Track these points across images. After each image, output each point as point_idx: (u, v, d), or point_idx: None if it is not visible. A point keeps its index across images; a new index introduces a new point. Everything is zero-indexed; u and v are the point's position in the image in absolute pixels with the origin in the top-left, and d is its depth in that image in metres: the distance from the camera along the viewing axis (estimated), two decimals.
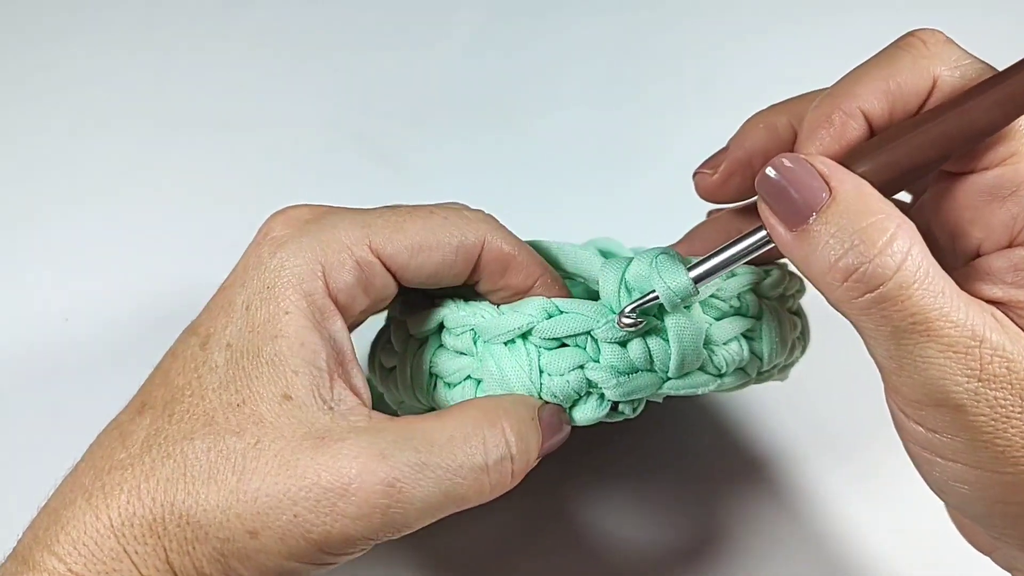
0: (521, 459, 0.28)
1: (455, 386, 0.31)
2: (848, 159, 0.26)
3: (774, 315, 0.31)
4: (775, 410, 0.43)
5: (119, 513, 0.25)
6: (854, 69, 0.27)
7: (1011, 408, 0.24)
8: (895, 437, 0.29)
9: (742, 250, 0.27)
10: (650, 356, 0.29)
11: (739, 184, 0.31)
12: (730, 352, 0.30)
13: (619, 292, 0.29)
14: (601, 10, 0.61)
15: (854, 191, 0.24)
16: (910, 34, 0.27)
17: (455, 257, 0.29)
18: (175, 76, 0.57)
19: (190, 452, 0.25)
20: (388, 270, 0.28)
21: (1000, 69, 0.25)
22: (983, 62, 0.26)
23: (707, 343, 0.30)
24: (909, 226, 0.24)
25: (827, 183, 0.24)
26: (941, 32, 0.27)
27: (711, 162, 0.31)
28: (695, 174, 0.31)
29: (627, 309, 0.28)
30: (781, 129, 0.29)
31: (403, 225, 0.28)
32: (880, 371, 0.26)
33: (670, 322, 0.29)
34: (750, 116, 0.30)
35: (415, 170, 0.53)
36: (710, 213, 0.36)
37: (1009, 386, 0.24)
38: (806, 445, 0.42)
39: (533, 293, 0.30)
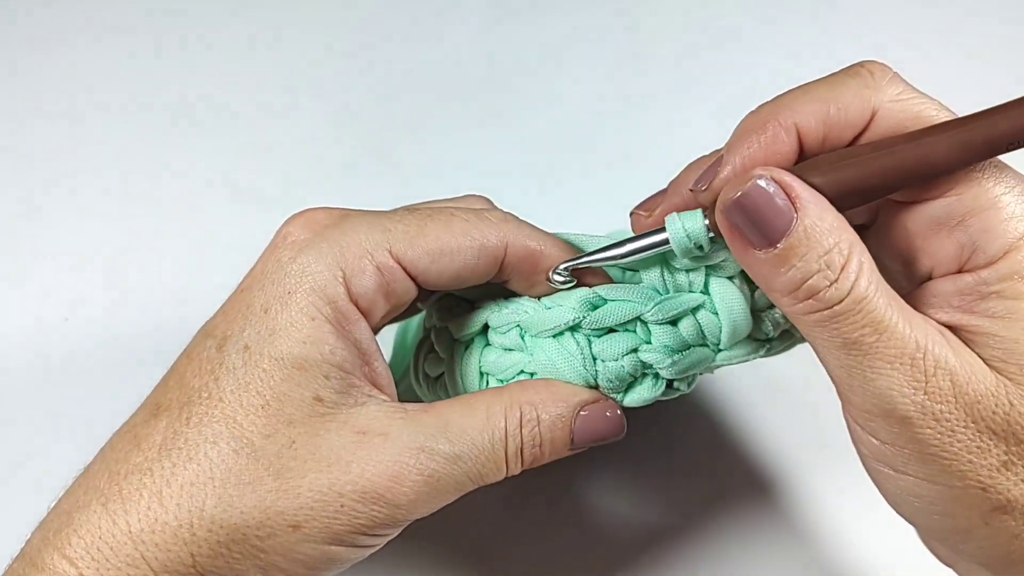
0: (539, 452, 0.29)
1: (508, 382, 0.31)
2: (802, 170, 0.26)
3: None
4: (772, 407, 0.44)
5: (139, 519, 0.25)
6: (799, 86, 0.27)
7: (956, 422, 0.24)
8: None
9: None
10: (701, 330, 0.29)
11: None
12: (776, 316, 0.30)
13: (662, 273, 0.29)
14: (601, 8, 0.61)
15: (816, 211, 0.24)
16: (859, 64, 0.27)
17: (477, 260, 0.29)
18: (176, 76, 0.57)
19: (215, 455, 0.25)
20: (408, 274, 0.28)
21: (945, 103, 0.26)
22: (928, 97, 0.26)
23: (753, 310, 0.30)
24: (859, 241, 0.25)
25: (793, 204, 0.24)
26: (889, 67, 0.27)
27: (648, 204, 0.31)
28: (631, 214, 0.31)
29: (561, 267, 0.29)
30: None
31: (423, 229, 0.28)
32: (833, 382, 0.27)
33: (716, 294, 0.29)
34: (691, 161, 0.30)
35: (415, 168, 0.53)
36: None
37: (953, 399, 0.24)
38: (801, 442, 0.43)
39: None
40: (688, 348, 0.30)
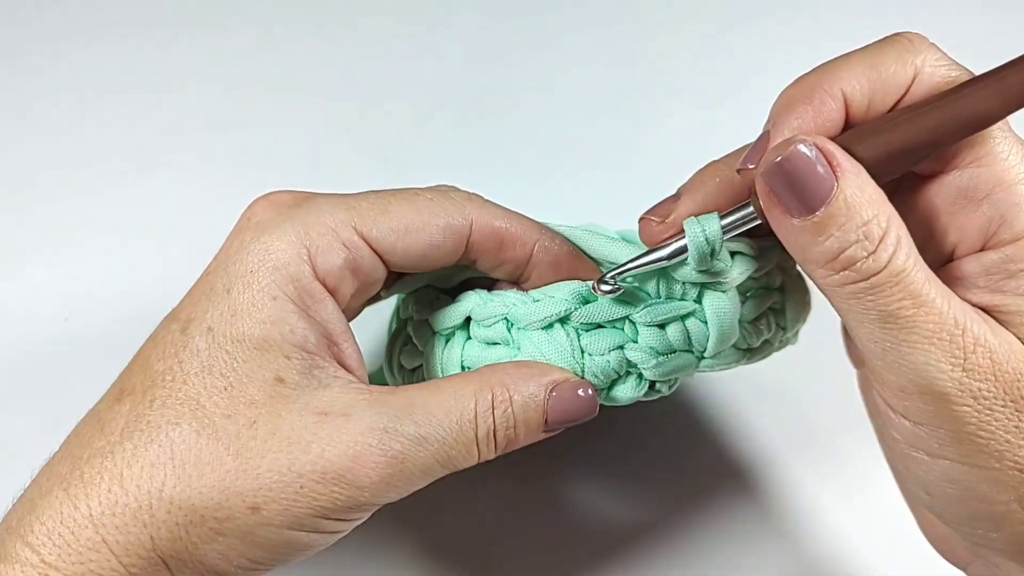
0: (514, 434, 0.28)
1: None
2: (845, 140, 0.25)
3: (794, 285, 0.32)
4: (761, 406, 0.43)
5: (99, 502, 0.24)
6: (839, 56, 0.27)
7: (994, 400, 0.24)
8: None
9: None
10: (688, 337, 0.29)
11: None
12: (760, 327, 0.31)
13: (658, 280, 0.29)
14: (599, 11, 0.60)
15: (856, 182, 0.24)
16: (895, 34, 0.27)
17: (443, 238, 0.29)
18: (175, 76, 0.57)
19: (176, 436, 0.25)
20: (375, 252, 0.28)
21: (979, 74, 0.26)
22: (961, 65, 0.26)
23: (740, 321, 0.30)
24: (896, 215, 0.25)
25: (834, 172, 0.24)
26: (925, 37, 0.27)
27: (659, 210, 0.30)
28: (641, 219, 0.30)
29: (608, 276, 0.28)
30: (736, 181, 0.29)
31: (388, 207, 0.28)
32: (866, 360, 0.26)
33: (709, 305, 0.29)
34: (703, 166, 0.30)
35: (414, 170, 0.53)
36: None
37: (992, 378, 0.24)
38: (790, 442, 0.42)
39: (534, 258, 0.30)
40: (673, 352, 0.30)
